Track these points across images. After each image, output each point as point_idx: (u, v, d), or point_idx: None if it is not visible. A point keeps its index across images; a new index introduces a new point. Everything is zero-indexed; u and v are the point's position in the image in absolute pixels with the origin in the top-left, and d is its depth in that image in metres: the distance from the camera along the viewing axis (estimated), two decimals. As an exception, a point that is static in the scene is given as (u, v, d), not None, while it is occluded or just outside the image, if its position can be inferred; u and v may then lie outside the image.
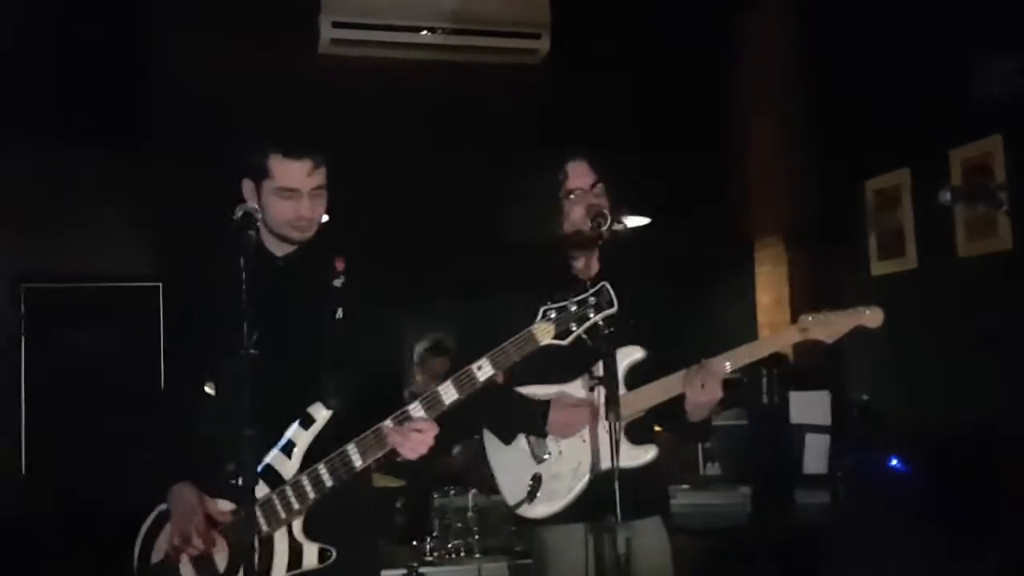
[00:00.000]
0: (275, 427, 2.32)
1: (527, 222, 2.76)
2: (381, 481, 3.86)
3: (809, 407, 4.62)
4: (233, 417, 2.12)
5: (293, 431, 2.33)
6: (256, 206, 2.34)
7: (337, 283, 2.46)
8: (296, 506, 2.30)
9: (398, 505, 3.80)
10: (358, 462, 2.30)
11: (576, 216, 2.68)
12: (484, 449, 2.79)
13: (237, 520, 2.31)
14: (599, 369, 2.47)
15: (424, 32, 5.16)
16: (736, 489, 4.46)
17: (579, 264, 2.77)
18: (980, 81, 4.00)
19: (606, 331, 2.31)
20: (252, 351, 2.15)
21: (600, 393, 2.52)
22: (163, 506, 2.40)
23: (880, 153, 4.77)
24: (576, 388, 2.67)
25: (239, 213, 2.31)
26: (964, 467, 3.84)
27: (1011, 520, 3.43)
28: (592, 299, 2.26)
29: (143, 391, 5.00)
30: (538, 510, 2.65)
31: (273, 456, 2.33)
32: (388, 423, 2.28)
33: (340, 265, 2.49)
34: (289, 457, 2.32)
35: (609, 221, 2.62)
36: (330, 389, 2.32)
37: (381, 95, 5.23)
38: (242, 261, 2.21)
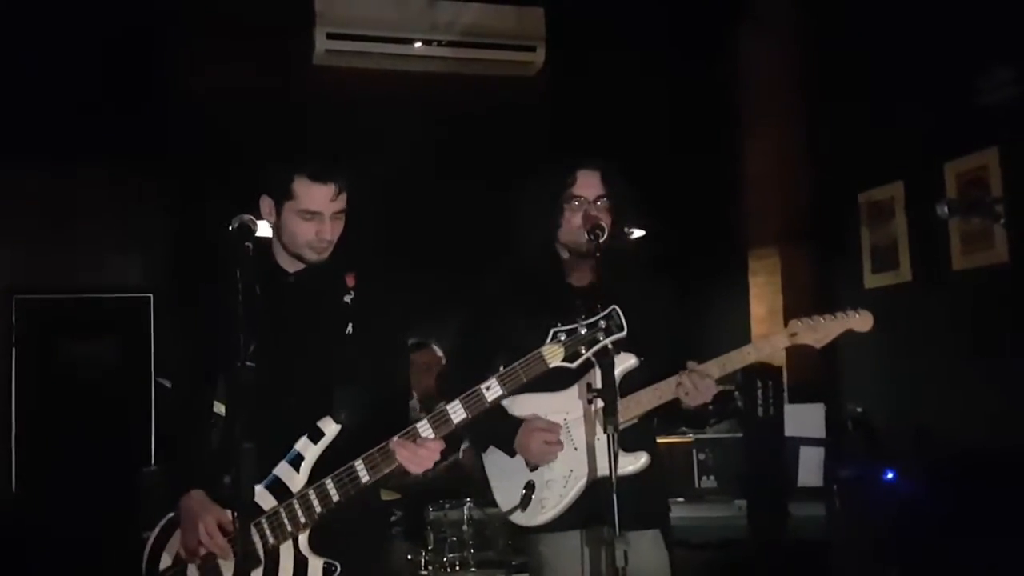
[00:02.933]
0: (285, 440, 2.33)
1: (526, 221, 2.75)
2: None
3: (804, 420, 4.62)
4: (240, 429, 2.12)
5: (302, 444, 2.33)
6: (258, 222, 2.33)
7: (347, 299, 2.48)
8: (303, 520, 2.31)
9: (393, 519, 3.77)
10: (365, 478, 2.30)
11: (574, 224, 2.68)
12: (480, 456, 2.79)
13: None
14: (597, 380, 2.47)
15: (418, 44, 5.16)
16: (731, 502, 4.45)
17: (573, 274, 2.77)
18: (977, 92, 4.01)
19: (614, 355, 2.31)
20: (249, 363, 2.15)
21: (597, 403, 2.52)
22: (171, 514, 2.40)
23: (874, 165, 4.78)
24: (568, 398, 2.66)
25: (234, 224, 2.31)
26: (959, 479, 3.83)
27: (1008, 530, 3.42)
28: (602, 323, 2.28)
29: (135, 400, 5.01)
30: (531, 518, 2.64)
31: (281, 469, 2.33)
32: (395, 439, 2.29)
33: (351, 281, 2.51)
34: (297, 471, 2.32)
35: (606, 234, 2.62)
36: (340, 404, 2.33)
37: (375, 105, 5.23)
38: (239, 272, 2.21)
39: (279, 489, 2.33)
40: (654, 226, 5.07)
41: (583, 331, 2.27)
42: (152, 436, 4.96)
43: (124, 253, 5.20)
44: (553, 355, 2.27)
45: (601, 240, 2.58)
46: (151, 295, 5.15)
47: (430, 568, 3.64)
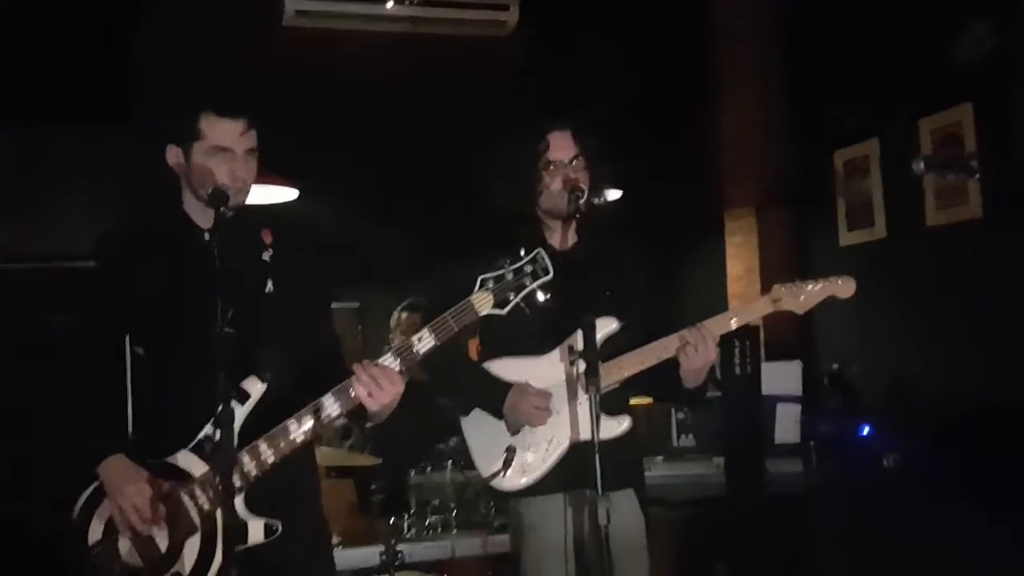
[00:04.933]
0: (209, 402, 2.21)
1: (504, 191, 2.72)
2: (359, 460, 3.84)
3: (781, 377, 4.65)
4: (221, 393, 2.07)
5: None
6: (224, 184, 2.28)
7: (266, 256, 2.39)
8: (237, 483, 2.22)
9: (373, 486, 3.77)
10: (299, 436, 2.25)
11: (554, 189, 2.66)
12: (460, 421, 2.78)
13: (176, 496, 2.25)
14: (579, 342, 2.46)
15: (390, 4, 5.08)
16: (710, 460, 4.49)
17: (555, 237, 2.76)
18: (952, 47, 4.01)
19: (543, 298, 2.29)
20: (228, 329, 2.11)
21: (579, 366, 2.51)
22: (95, 483, 2.31)
23: (849, 123, 4.79)
24: (549, 362, 2.66)
25: (208, 191, 2.28)
26: (933, 433, 3.88)
27: (983, 483, 3.48)
28: (528, 267, 2.25)
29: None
30: (512, 482, 2.64)
31: (207, 432, 2.25)
32: (355, 374, 2.22)
33: (267, 237, 2.42)
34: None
35: (586, 195, 2.61)
36: (265, 363, 2.25)
37: (347, 66, 5.16)
38: (211, 235, 2.18)
39: (208, 453, 2.25)
40: (630, 187, 5.10)
41: (509, 276, 2.24)
42: (129, 407, 4.89)
43: (94, 220, 5.10)
44: (483, 303, 2.24)
45: (581, 201, 2.57)
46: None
47: (412, 532, 3.65)
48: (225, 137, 2.32)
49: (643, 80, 5.43)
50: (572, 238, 2.73)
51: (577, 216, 2.61)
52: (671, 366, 2.60)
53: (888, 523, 3.79)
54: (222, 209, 2.23)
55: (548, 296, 2.28)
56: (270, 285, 2.37)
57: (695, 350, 2.54)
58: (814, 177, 5.02)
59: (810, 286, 2.63)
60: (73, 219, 5.02)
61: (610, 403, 2.58)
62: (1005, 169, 3.68)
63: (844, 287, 2.65)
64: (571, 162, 2.68)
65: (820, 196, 4.99)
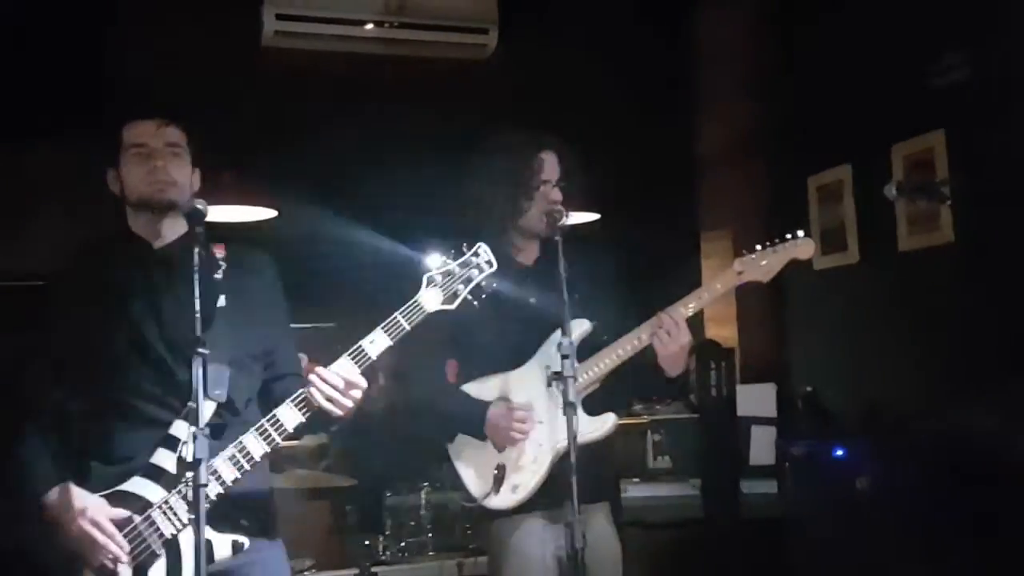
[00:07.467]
0: (159, 425, 2.22)
1: (493, 207, 2.72)
2: (334, 481, 3.82)
3: (755, 399, 4.69)
4: (192, 417, 2.03)
5: (176, 427, 2.22)
6: (202, 202, 2.22)
7: (218, 275, 2.36)
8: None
9: (348, 507, 3.76)
10: (258, 451, 2.22)
11: (538, 209, 2.69)
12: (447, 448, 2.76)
13: (135, 526, 2.19)
14: (556, 363, 2.47)
15: (369, 25, 5.10)
16: (685, 481, 4.51)
17: (521, 255, 2.78)
18: (924, 76, 4.07)
19: (489, 290, 2.32)
20: (202, 350, 2.08)
21: (557, 388, 2.51)
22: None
23: (822, 149, 4.84)
24: (527, 374, 2.66)
25: (187, 209, 2.24)
26: (906, 455, 3.91)
27: (955, 505, 3.51)
28: (473, 259, 2.30)
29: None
30: (505, 499, 2.61)
31: (159, 456, 2.22)
32: (311, 382, 2.22)
33: (220, 251, 2.39)
34: (175, 453, 2.21)
35: (563, 217, 2.63)
36: (214, 382, 2.17)
37: (326, 87, 5.17)
38: (195, 257, 2.12)
39: (161, 476, 2.21)
40: (607, 209, 5.12)
41: (456, 271, 2.29)
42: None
43: (57, 239, 5.04)
44: (431, 300, 2.28)
45: (559, 223, 2.59)
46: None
47: (388, 554, 3.63)
48: (142, 135, 2.33)
49: (620, 104, 5.47)
50: (535, 253, 2.77)
51: (558, 239, 2.62)
52: (650, 362, 2.61)
53: (862, 544, 3.81)
54: (198, 229, 2.17)
55: (495, 286, 2.31)
56: (222, 300, 2.33)
57: (667, 334, 2.56)
58: (789, 202, 5.07)
59: (771, 254, 2.67)
60: (27, 238, 4.95)
61: (593, 402, 2.60)
62: (976, 195, 3.73)
63: (803, 248, 2.69)
64: (556, 184, 2.71)
65: (794, 220, 5.03)
